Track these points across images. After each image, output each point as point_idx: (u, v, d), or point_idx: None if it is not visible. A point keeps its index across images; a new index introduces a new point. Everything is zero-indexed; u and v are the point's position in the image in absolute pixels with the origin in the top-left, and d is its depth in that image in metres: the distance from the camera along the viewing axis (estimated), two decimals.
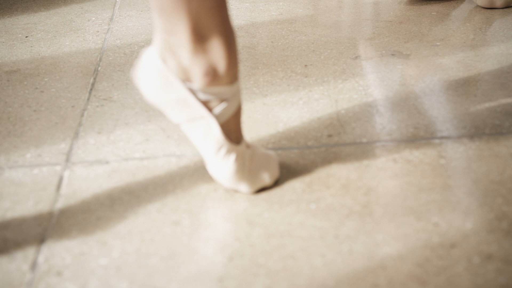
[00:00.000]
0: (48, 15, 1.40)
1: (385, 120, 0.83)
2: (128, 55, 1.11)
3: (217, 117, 0.63)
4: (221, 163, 0.64)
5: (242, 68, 1.03)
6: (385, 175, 0.70)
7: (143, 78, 0.62)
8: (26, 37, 1.23)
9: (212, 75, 0.61)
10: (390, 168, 0.71)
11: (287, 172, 0.71)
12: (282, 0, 1.50)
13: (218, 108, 0.63)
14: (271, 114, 0.86)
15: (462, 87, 0.93)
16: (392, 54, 1.08)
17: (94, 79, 1.01)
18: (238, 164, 0.64)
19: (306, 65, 1.04)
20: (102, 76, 1.02)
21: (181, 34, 0.58)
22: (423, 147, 0.76)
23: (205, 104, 0.62)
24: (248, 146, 0.68)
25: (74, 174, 0.73)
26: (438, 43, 1.13)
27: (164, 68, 0.61)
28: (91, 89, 0.96)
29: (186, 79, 0.61)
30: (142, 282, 0.56)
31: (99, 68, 1.06)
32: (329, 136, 0.80)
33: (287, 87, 0.96)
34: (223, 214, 0.65)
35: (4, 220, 0.65)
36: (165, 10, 0.57)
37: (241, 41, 1.18)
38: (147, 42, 1.17)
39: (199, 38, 0.59)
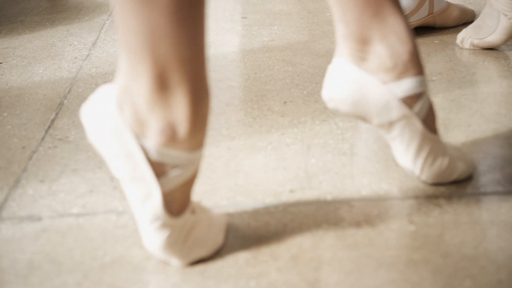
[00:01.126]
0: (31, 38, 1.34)
1: (357, 172, 0.75)
2: (99, 86, 1.04)
3: (163, 184, 0.54)
4: (153, 235, 0.56)
5: (216, 104, 0.96)
6: (343, 244, 0.62)
7: (92, 120, 0.55)
8: (1, 63, 1.17)
9: (170, 135, 0.52)
10: (350, 236, 0.63)
11: (234, 238, 0.64)
12: (277, 24, 1.43)
13: (168, 174, 0.54)
14: (234, 162, 0.79)
15: (451, 133, 0.84)
16: None
17: (56, 114, 0.94)
18: (171, 239, 0.56)
19: (285, 102, 0.96)
20: (65, 111, 0.95)
21: (142, 80, 0.50)
22: (393, 208, 0.67)
23: (155, 165, 0.54)
24: (194, 211, 0.60)
25: None
26: (434, 78, 1.03)
27: (118, 116, 0.53)
28: (49, 127, 0.90)
29: (140, 133, 0.53)
30: None
31: (65, 101, 0.99)
32: (291, 191, 0.71)
33: (259, 129, 0.88)
34: None
35: None
36: (130, 49, 0.50)
37: (223, 71, 1.11)
38: None
39: (163, 89, 0.51)
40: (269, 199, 0.70)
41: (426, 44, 1.23)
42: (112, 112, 0.52)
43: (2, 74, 1.12)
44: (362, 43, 0.61)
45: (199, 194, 0.72)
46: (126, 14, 0.47)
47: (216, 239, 0.60)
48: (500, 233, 0.62)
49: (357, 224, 0.64)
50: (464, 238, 0.62)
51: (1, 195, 0.73)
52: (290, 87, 1.03)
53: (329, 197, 0.70)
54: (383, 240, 0.62)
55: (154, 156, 0.53)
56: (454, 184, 0.71)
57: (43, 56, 1.24)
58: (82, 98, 1.01)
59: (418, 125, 0.63)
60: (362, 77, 0.62)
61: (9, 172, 0.78)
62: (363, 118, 0.64)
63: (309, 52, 1.21)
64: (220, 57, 1.20)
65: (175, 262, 0.57)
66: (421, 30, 1.29)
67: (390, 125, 0.64)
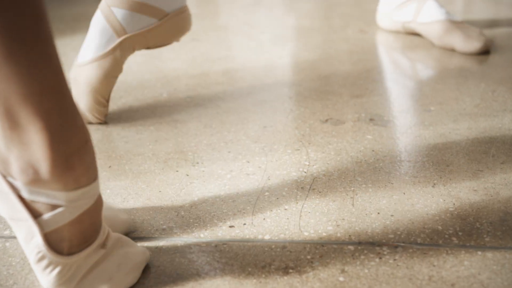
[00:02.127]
0: None
1: (308, 210, 0.70)
2: None
3: (44, 224, 0.51)
4: (41, 273, 0.54)
5: (195, 125, 0.93)
6: None
7: None
8: None
9: (32, 175, 0.49)
10: (272, 282, 0.59)
11: (151, 274, 0.60)
12: (293, 41, 1.39)
13: (49, 213, 0.51)
14: (185, 190, 0.76)
15: (425, 172, 0.78)
16: (371, 119, 0.94)
17: None
18: (62, 277, 0.53)
19: (265, 127, 0.93)
20: None
21: None
22: (330, 254, 0.62)
23: (31, 204, 0.51)
24: (105, 245, 0.57)
25: None
26: (432, 108, 0.97)
27: None
28: None
29: (6, 172, 0.50)
30: None
31: None
32: (230, 227, 0.68)
33: (226, 155, 0.85)
34: None
35: None
36: None
37: (215, 89, 1.08)
38: None
39: (14, 126, 0.47)
40: (204, 234, 0.66)
41: (439, 68, 1.16)
42: None
43: None
44: None
45: (137, 222, 0.69)
46: None
47: (125, 278, 0.57)
48: None
49: (285, 269, 0.60)
50: None
51: None
52: (276, 110, 0.99)
53: (267, 236, 0.66)
54: None
55: (26, 195, 0.50)
56: (406, 231, 0.65)
57: None
58: None
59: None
60: None
61: None
62: None
63: (312, 72, 1.17)
64: (219, 74, 1.17)
65: None
66: (440, 53, 1.23)
67: None
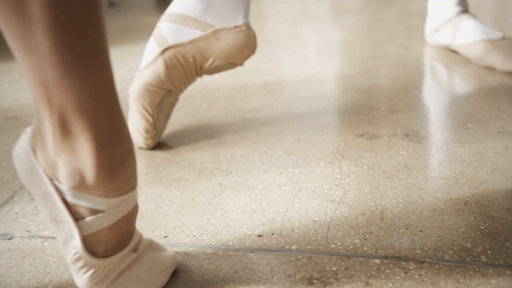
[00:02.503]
0: None
1: (336, 222, 0.71)
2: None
3: (83, 227, 0.53)
4: (76, 275, 0.56)
5: (231, 136, 0.95)
6: None
7: (17, 160, 0.56)
8: None
9: (78, 181, 0.52)
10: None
11: (179, 279, 0.62)
12: (335, 55, 1.40)
13: (89, 217, 0.53)
14: (217, 199, 0.78)
15: (458, 189, 0.77)
16: (406, 135, 0.94)
17: None
18: (95, 278, 0.56)
19: (300, 139, 0.94)
20: None
21: (47, 124, 0.50)
22: (355, 266, 0.63)
23: (73, 208, 0.53)
24: (137, 249, 0.59)
25: None
26: (470, 125, 0.96)
27: (33, 158, 0.53)
28: None
29: (53, 176, 0.53)
30: None
31: None
32: (259, 236, 0.69)
33: (259, 166, 0.86)
34: None
35: None
36: (33, 94, 0.49)
37: (254, 101, 1.10)
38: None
39: (66, 135, 0.50)
40: (233, 242, 0.68)
41: (480, 86, 1.15)
42: (29, 155, 0.53)
43: None
44: None
45: (169, 228, 0.71)
46: (20, 61, 0.48)
47: (154, 281, 0.59)
48: None
49: (309, 280, 0.61)
50: None
51: None
52: (312, 124, 1.00)
53: (294, 247, 0.67)
54: None
55: (70, 199, 0.52)
56: (433, 247, 0.65)
57: None
58: None
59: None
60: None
61: (8, 187, 0.82)
62: None
63: (350, 87, 1.17)
64: (259, 87, 1.19)
65: None
66: (482, 70, 1.21)
67: None
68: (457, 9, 1.35)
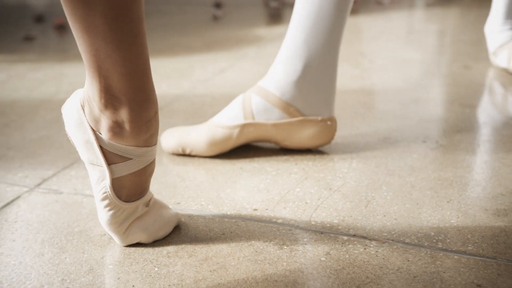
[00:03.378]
0: (181, 59, 1.60)
1: (325, 206, 0.81)
2: (194, 105, 1.23)
3: (114, 171, 0.68)
4: (101, 211, 0.71)
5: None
6: (252, 258, 0.70)
7: (66, 113, 0.71)
8: None
9: (116, 132, 0.66)
10: (265, 253, 0.70)
11: (178, 234, 0.75)
12: (395, 71, 1.48)
13: (120, 163, 0.68)
14: (233, 179, 0.90)
15: (446, 191, 0.84)
16: (423, 141, 1.01)
17: None
18: (114, 218, 0.70)
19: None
20: None
21: (95, 88, 0.65)
22: (324, 240, 0.72)
23: (108, 154, 0.68)
24: (148, 205, 0.74)
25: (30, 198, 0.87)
26: (492, 138, 1.02)
27: (81, 112, 0.68)
28: None
29: (95, 127, 0.68)
30: None
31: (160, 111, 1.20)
32: (254, 210, 0.81)
33: (280, 156, 0.98)
34: (83, 256, 0.72)
35: None
36: (86, 64, 0.64)
37: None
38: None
39: (110, 97, 0.65)
40: (231, 212, 0.80)
41: None
42: (78, 109, 0.68)
43: None
44: None
45: (183, 197, 0.85)
46: (78, 39, 0.62)
47: (157, 231, 0.73)
48: (393, 281, 0.64)
49: (281, 245, 0.72)
50: (358, 275, 0.65)
51: (52, 171, 0.95)
52: (343, 126, 1.10)
53: (279, 221, 0.78)
54: (288, 262, 0.68)
55: (106, 146, 0.67)
56: (400, 232, 0.73)
57: (175, 75, 1.48)
58: (173, 112, 1.20)
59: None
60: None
61: (71, 156, 1.00)
62: None
63: (396, 99, 1.25)
64: None
65: (116, 239, 0.72)
66: None
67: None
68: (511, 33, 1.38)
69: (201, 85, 1.44)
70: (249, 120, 0.95)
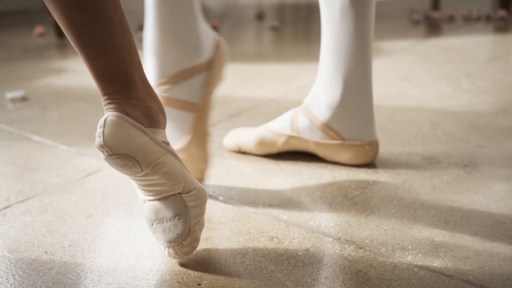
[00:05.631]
0: (280, 67, 1.75)
1: (333, 211, 0.90)
2: (283, 109, 1.37)
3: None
4: None
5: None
6: (241, 246, 0.82)
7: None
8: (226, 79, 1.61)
9: (153, 122, 0.72)
10: (257, 243, 0.82)
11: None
12: (419, 89, 1.49)
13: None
14: (266, 177, 1.03)
15: (451, 212, 0.89)
16: (465, 165, 1.05)
17: (229, 117, 1.31)
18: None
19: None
20: (235, 119, 1.31)
21: (136, 88, 0.72)
22: (311, 239, 0.83)
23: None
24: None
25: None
26: None
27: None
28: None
29: (148, 124, 0.72)
30: None
31: (244, 112, 1.36)
32: (269, 205, 0.93)
33: (325, 165, 1.08)
34: None
35: None
36: (129, 70, 0.69)
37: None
38: None
39: (150, 93, 0.72)
40: (249, 204, 0.93)
41: None
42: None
43: (232, 90, 1.55)
44: None
45: (221, 186, 0.99)
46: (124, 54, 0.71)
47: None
48: (346, 281, 0.73)
49: (271, 238, 0.83)
50: (319, 271, 0.75)
51: None
52: (398, 142, 1.16)
53: (285, 217, 0.89)
54: (269, 251, 0.80)
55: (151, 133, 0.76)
56: (380, 242, 0.80)
57: (281, 80, 1.65)
58: (256, 114, 1.36)
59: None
60: None
61: None
62: None
63: (467, 121, 1.28)
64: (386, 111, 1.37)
65: None
66: None
67: None
68: None
69: (296, 92, 1.57)
70: (295, 134, 1.07)
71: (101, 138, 0.66)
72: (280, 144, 1.08)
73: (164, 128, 0.74)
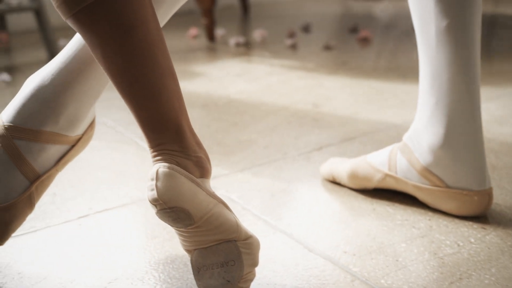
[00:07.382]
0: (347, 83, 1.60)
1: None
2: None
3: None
4: None
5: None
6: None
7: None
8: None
9: (203, 172, 0.69)
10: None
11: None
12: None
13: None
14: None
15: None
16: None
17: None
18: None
19: None
20: (308, 127, 1.22)
21: (185, 140, 0.67)
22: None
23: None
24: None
25: None
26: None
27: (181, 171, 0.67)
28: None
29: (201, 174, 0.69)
30: None
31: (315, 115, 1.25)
32: (344, 252, 0.83)
33: (419, 210, 0.95)
34: None
35: None
36: (175, 120, 0.66)
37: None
38: None
39: (198, 144, 0.70)
40: (312, 248, 0.84)
41: None
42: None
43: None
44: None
45: (297, 223, 0.91)
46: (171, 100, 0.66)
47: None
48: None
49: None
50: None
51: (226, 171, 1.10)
52: None
53: (354, 269, 0.79)
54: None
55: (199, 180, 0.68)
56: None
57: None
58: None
59: None
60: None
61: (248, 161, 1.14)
62: None
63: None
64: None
65: None
66: None
67: None
68: None
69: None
70: (392, 173, 0.94)
71: (155, 191, 0.62)
72: (375, 181, 0.96)
73: (210, 177, 0.69)
